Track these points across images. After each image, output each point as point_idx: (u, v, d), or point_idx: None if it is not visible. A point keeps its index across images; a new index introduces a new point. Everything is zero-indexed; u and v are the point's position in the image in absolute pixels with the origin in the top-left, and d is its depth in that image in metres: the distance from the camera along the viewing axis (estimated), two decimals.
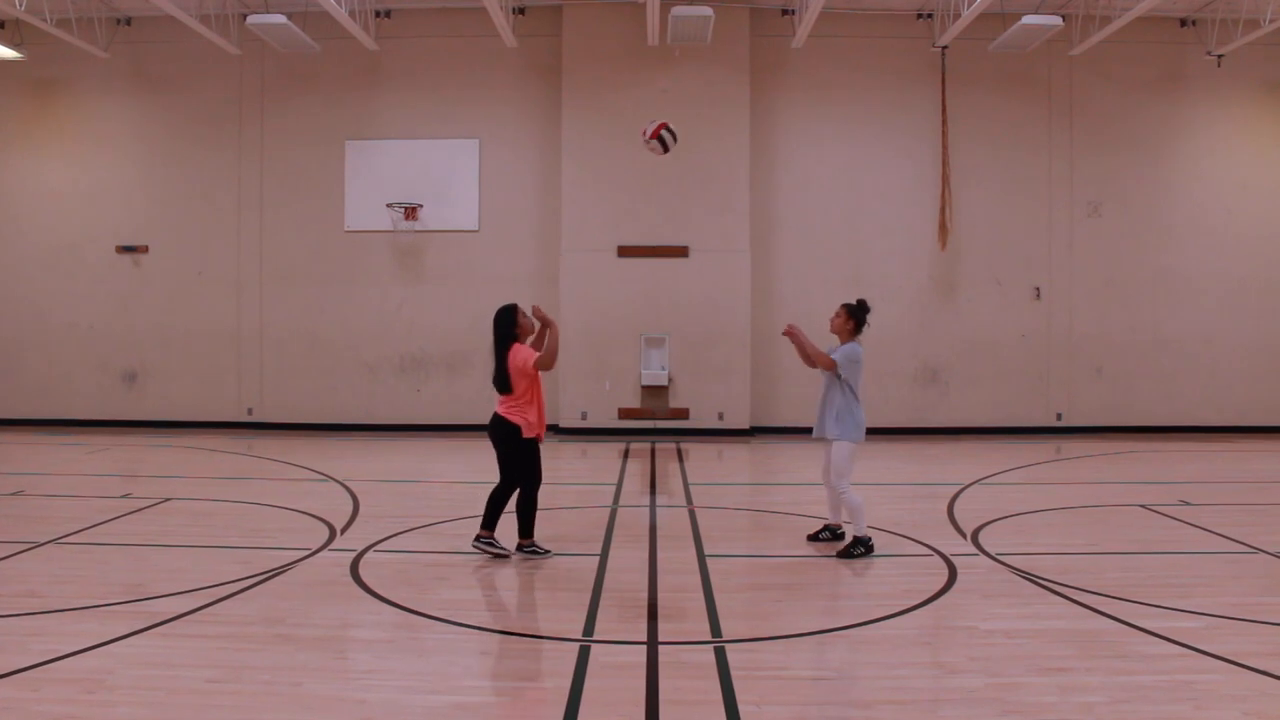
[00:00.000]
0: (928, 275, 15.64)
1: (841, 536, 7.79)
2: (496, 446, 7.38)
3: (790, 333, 7.56)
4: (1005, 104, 15.66)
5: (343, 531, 8.28)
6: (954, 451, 13.94)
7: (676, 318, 15.22)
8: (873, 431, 15.17)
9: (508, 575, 7.02)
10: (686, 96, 15.08)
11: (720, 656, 5.23)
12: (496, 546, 7.33)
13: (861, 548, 7.43)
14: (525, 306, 7.50)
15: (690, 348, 15.22)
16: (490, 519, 7.38)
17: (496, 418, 7.33)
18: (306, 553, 7.48)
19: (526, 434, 7.26)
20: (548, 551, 7.41)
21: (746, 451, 14.15)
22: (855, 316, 7.58)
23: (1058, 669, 5.06)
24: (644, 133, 9.62)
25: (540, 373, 7.25)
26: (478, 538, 7.38)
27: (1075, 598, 6.30)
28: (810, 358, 7.50)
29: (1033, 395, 15.77)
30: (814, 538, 7.95)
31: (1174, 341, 15.77)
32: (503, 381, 7.27)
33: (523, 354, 7.20)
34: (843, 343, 7.59)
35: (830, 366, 7.43)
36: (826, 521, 8.03)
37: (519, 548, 7.39)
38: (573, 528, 8.82)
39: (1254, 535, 8.12)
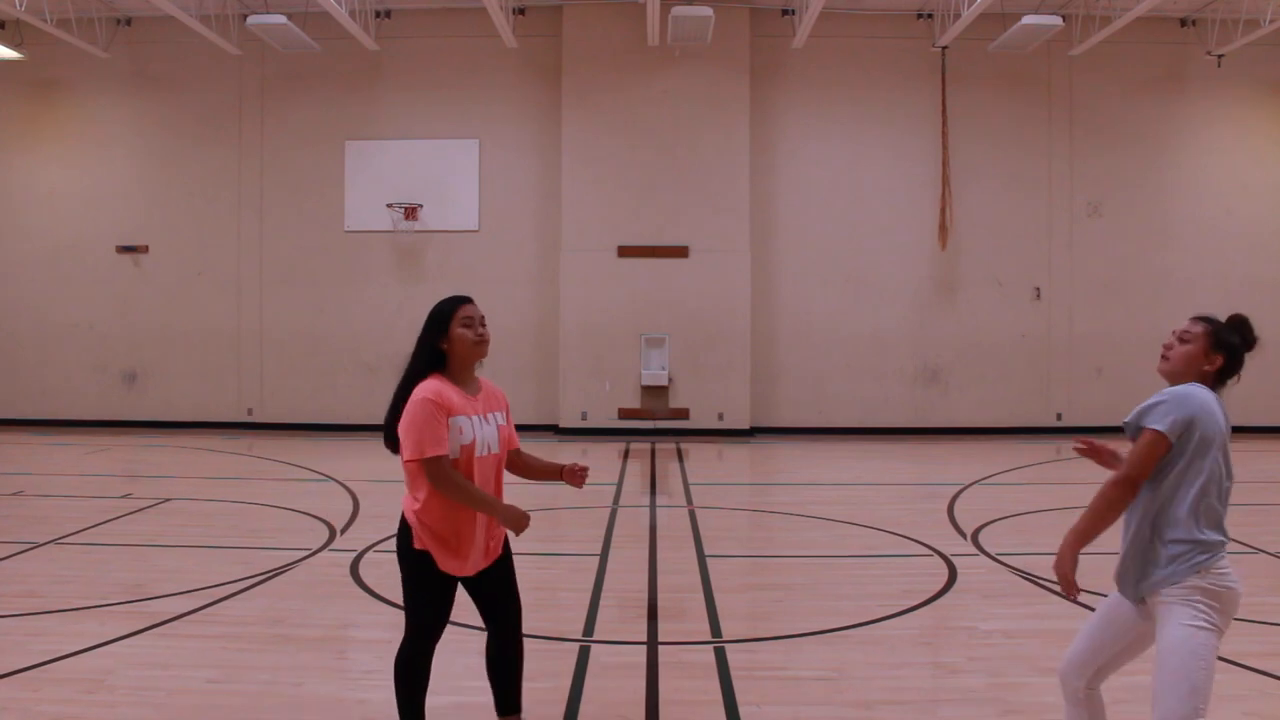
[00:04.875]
0: (928, 275, 15.63)
1: None
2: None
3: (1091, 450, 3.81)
4: (1005, 104, 15.66)
5: (343, 531, 8.27)
6: (954, 451, 13.94)
7: (676, 318, 15.22)
8: (873, 431, 15.55)
9: None
10: (686, 96, 15.09)
11: (720, 656, 5.23)
12: None
13: None
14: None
15: (690, 348, 15.21)
16: (411, 708, 3.82)
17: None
18: (306, 553, 7.47)
19: (419, 544, 3.71)
20: None
21: (746, 451, 14.15)
22: (1225, 348, 3.65)
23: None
24: None
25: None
26: None
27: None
28: (1114, 464, 3.67)
29: (1033, 395, 15.76)
30: None
31: None
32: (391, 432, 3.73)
33: (429, 398, 3.61)
34: (1174, 385, 3.52)
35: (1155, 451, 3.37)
36: None
37: None
38: (573, 528, 8.82)
39: (1254, 535, 8.11)
